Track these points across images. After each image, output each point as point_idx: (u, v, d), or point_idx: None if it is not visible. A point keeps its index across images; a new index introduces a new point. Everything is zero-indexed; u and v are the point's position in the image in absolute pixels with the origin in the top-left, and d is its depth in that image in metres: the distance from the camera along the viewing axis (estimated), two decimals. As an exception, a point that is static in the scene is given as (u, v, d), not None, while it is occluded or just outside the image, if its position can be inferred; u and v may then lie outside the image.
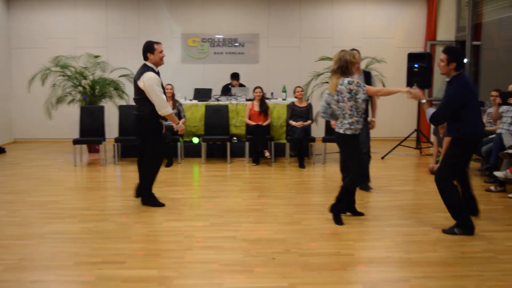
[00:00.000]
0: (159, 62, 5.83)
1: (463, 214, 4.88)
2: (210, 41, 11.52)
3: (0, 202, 6.25)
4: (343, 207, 5.36)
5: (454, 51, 4.92)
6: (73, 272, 4.02)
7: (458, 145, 4.89)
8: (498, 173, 6.46)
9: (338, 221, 5.20)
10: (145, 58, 5.81)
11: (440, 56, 4.99)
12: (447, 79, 5.01)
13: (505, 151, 6.49)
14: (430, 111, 5.01)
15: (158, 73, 5.79)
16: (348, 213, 5.49)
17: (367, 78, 6.70)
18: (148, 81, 5.60)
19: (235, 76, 10.34)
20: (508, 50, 7.80)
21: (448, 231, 4.90)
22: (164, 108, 5.65)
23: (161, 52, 5.84)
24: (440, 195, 4.95)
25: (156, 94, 5.60)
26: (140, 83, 5.63)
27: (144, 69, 5.73)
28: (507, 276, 3.88)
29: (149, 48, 5.81)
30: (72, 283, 3.83)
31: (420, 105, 9.75)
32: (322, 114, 5.37)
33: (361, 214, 5.53)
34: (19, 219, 5.45)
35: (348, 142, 5.18)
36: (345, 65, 5.07)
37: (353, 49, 5.83)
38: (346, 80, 5.08)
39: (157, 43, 5.88)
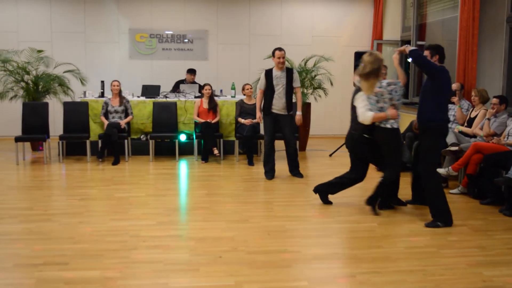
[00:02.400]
0: None
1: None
2: (158, 37, 11.36)
3: None
4: (383, 200, 5.66)
5: (434, 46, 5.31)
6: (13, 275, 3.88)
7: (435, 134, 5.17)
8: (440, 170, 6.65)
9: (375, 212, 5.52)
10: None
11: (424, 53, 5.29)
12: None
13: (447, 149, 6.68)
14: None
15: None
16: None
17: (289, 75, 7.19)
18: None
19: (192, 71, 10.14)
20: (451, 49, 8.04)
21: (431, 225, 5.09)
22: None
23: None
24: (426, 191, 5.23)
25: None
26: None
27: None
28: (449, 270, 4.00)
29: None
30: (11, 286, 3.69)
31: None
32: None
33: (403, 203, 5.89)
34: (-45, 220, 5.22)
35: (395, 136, 5.37)
36: (378, 68, 5.26)
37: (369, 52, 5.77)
38: (384, 82, 5.33)
39: None
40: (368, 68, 5.26)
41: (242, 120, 8.55)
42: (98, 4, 11.21)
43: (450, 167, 6.47)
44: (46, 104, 8.86)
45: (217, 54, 11.53)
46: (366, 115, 5.34)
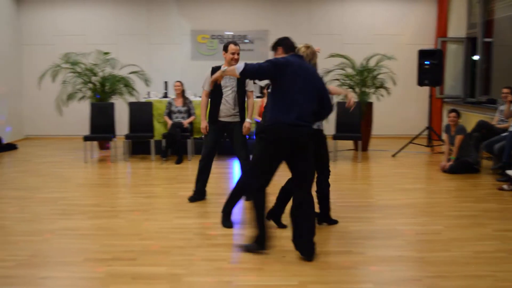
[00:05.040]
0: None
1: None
2: (219, 38, 11.49)
3: (11, 198, 6.29)
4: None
5: (276, 41, 4.67)
6: (83, 269, 4.03)
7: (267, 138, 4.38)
8: (510, 172, 6.40)
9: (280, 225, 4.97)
10: None
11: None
12: None
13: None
14: None
15: None
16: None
17: None
18: None
19: None
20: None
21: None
22: None
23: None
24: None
25: None
26: None
27: None
28: (521, 276, 3.84)
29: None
30: (82, 280, 3.83)
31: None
32: None
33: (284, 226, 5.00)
34: (30, 216, 5.47)
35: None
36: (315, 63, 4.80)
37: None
38: None
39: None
40: (314, 61, 4.76)
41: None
42: (161, 7, 11.48)
43: None
44: (113, 105, 9.15)
45: (278, 54, 11.52)
46: None
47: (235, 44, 5.79)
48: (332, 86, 5.38)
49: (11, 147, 10.11)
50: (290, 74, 4.16)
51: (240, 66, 4.19)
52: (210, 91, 5.85)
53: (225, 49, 5.77)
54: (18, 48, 11.42)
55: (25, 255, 4.27)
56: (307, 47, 4.73)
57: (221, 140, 6.04)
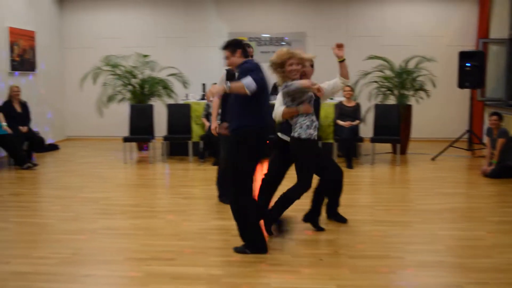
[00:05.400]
0: None
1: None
2: (257, 40, 11.53)
3: (54, 197, 6.46)
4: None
5: (229, 42, 4.50)
6: (123, 267, 4.11)
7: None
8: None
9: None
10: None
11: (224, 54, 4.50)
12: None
13: None
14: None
15: None
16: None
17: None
18: None
19: None
20: None
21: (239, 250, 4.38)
22: None
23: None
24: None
25: None
26: None
27: None
28: None
29: None
30: (122, 278, 3.91)
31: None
32: None
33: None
34: (72, 214, 5.60)
35: (306, 148, 4.57)
36: (281, 63, 4.52)
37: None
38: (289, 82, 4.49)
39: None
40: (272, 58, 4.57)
41: (341, 122, 8.47)
42: (199, 10, 11.59)
43: None
44: (151, 106, 9.29)
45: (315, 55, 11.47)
46: (277, 111, 4.66)
47: (248, 46, 5.59)
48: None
49: (53, 147, 10.38)
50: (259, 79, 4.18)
51: (248, 83, 4.07)
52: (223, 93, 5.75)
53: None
54: (60, 51, 11.72)
55: (67, 253, 4.38)
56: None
57: None
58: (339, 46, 4.79)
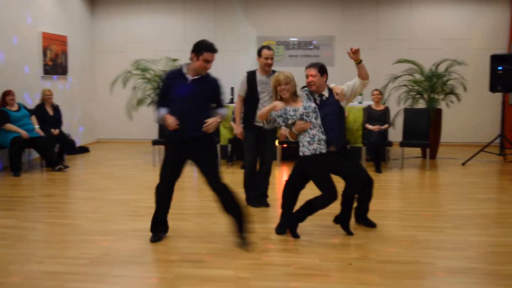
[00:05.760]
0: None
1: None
2: (285, 44, 11.54)
3: (84, 199, 6.56)
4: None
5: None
6: (153, 269, 4.15)
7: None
8: None
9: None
10: None
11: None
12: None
13: None
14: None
15: None
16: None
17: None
18: None
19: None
20: None
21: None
22: None
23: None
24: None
25: None
26: None
27: None
28: None
29: None
30: (152, 280, 3.94)
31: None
32: None
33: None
34: (102, 216, 5.68)
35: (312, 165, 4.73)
36: (273, 87, 4.72)
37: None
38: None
39: None
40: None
41: (369, 127, 8.40)
42: (227, 14, 11.66)
43: None
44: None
45: (343, 59, 11.39)
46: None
47: (269, 49, 5.82)
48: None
49: (84, 150, 10.55)
50: None
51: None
52: (245, 96, 5.89)
53: (259, 54, 5.83)
54: (91, 55, 11.93)
55: (97, 253, 4.44)
56: None
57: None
58: (355, 52, 4.81)
